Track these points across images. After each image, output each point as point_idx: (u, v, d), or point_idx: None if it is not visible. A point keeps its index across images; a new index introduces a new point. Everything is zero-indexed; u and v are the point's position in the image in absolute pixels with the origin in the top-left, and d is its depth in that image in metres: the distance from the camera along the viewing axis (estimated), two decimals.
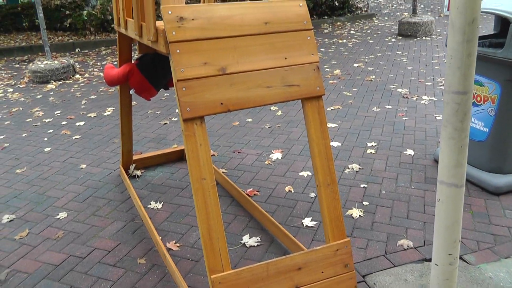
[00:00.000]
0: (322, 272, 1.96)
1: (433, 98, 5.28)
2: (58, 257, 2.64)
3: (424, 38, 9.04)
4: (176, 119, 4.90)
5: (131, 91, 2.94)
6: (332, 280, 1.99)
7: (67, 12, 10.41)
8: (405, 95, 5.41)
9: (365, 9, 13.15)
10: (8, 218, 3.07)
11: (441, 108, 4.92)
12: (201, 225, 1.73)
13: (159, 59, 2.87)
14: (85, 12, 10.19)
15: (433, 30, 9.24)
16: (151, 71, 2.87)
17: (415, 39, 8.92)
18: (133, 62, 2.96)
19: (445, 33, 9.49)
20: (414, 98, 5.29)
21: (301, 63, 1.96)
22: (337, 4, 12.09)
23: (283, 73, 1.92)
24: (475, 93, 3.19)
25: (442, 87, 5.67)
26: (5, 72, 7.75)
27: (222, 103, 1.78)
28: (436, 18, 11.58)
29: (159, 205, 3.12)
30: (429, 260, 2.52)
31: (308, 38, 2.00)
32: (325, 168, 2.01)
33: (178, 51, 1.72)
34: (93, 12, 10.12)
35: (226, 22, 1.81)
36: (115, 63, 7.87)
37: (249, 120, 4.78)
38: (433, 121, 4.55)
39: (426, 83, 5.89)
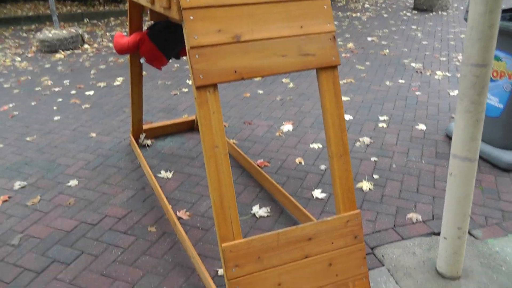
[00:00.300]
0: (332, 243, 1.96)
1: (447, 73, 5.20)
2: (69, 223, 2.67)
3: (440, 12, 8.85)
4: (186, 89, 4.87)
5: (142, 60, 2.91)
6: (341, 251, 1.99)
7: None
8: (419, 70, 5.33)
9: None
10: (19, 185, 3.10)
11: (455, 83, 4.85)
12: (213, 193, 1.72)
13: (170, 28, 2.83)
14: None
15: (449, 5, 9.03)
16: (162, 40, 2.83)
17: (431, 14, 8.74)
18: (143, 30, 2.92)
19: (462, 8, 9.29)
20: (428, 73, 5.21)
21: (317, 32, 1.92)
22: None
23: (298, 42, 1.88)
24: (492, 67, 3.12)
25: (457, 63, 5.58)
26: (12, 41, 7.72)
27: (236, 71, 1.75)
28: None
29: (169, 174, 3.14)
30: (437, 234, 2.52)
31: (325, 7, 1.95)
32: (338, 139, 1.99)
33: (191, 17, 1.68)
34: None
35: None
36: (125, 33, 7.81)
37: (260, 91, 4.75)
38: (446, 96, 4.49)
39: (441, 58, 5.80)
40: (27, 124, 4.14)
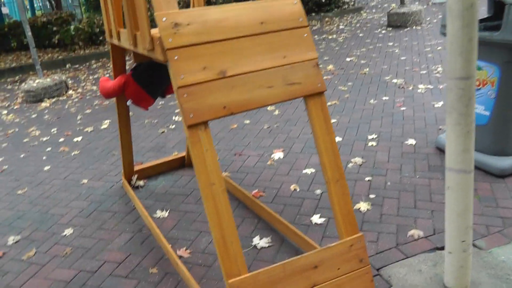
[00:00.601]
0: (338, 269, 1.95)
1: (429, 86, 5.28)
2: (68, 273, 2.61)
3: (414, 27, 9.05)
4: (173, 126, 4.88)
5: (128, 102, 2.92)
6: (348, 276, 1.97)
7: (55, 28, 10.37)
8: (401, 85, 5.40)
9: (352, 3, 13.17)
10: (13, 240, 3.04)
11: (438, 95, 4.91)
12: (213, 230, 1.71)
13: (154, 68, 2.85)
14: (72, 27, 10.15)
15: (422, 19, 9.25)
16: (146, 80, 2.85)
17: (405, 29, 8.94)
18: (127, 73, 2.94)
19: (435, 21, 9.51)
20: (410, 88, 5.28)
21: (301, 60, 1.95)
22: (323, 0, 12.10)
23: (283, 72, 1.90)
24: None
25: (437, 75, 5.68)
26: None
27: (225, 107, 1.76)
28: (425, 7, 11.60)
29: (165, 214, 3.10)
30: (441, 248, 2.51)
31: (305, 35, 1.98)
32: (333, 164, 2.00)
33: (176, 57, 1.70)
34: (80, 26, 10.08)
35: (221, 25, 1.80)
36: (107, 75, 7.85)
37: (247, 121, 4.77)
38: (431, 108, 4.54)
39: (421, 72, 5.89)
40: (18, 177, 4.09)
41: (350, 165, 3.53)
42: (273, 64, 1.88)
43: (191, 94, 1.70)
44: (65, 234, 3.02)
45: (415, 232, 2.65)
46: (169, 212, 3.12)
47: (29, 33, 6.54)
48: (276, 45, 1.90)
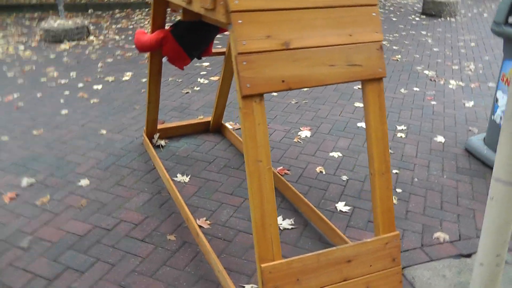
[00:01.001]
0: (370, 266, 1.86)
1: (461, 83, 5.12)
2: (82, 227, 2.54)
3: (448, 18, 8.78)
4: (198, 88, 4.74)
5: (164, 59, 2.78)
6: (379, 274, 1.89)
7: None
8: (432, 78, 5.24)
9: None
10: (27, 182, 2.96)
11: (469, 94, 4.76)
12: (254, 210, 1.61)
13: (195, 27, 2.70)
14: None
15: (458, 11, 8.96)
16: (186, 39, 2.71)
17: (440, 19, 8.67)
18: (167, 28, 2.80)
19: (469, 14, 9.23)
20: (442, 82, 5.12)
21: (366, 41, 1.81)
22: None
23: (347, 51, 1.76)
24: None
25: (469, 72, 5.50)
26: (15, 28, 7.52)
27: (283, 80, 1.63)
28: None
29: (186, 179, 3.01)
30: (466, 256, 2.43)
31: (374, 14, 1.84)
32: (381, 156, 1.89)
33: (240, 21, 1.56)
34: None
35: None
36: (131, 26, 7.65)
37: (274, 93, 4.63)
38: (461, 107, 4.40)
39: (453, 67, 5.71)
40: (33, 117, 3.99)
41: None
42: (338, 42, 1.74)
43: (250, 62, 1.58)
44: (81, 185, 2.94)
45: (441, 235, 2.57)
46: (190, 178, 3.03)
47: None
48: (343, 21, 1.76)
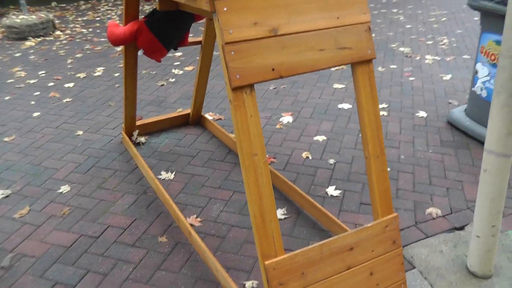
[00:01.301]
0: (372, 251, 1.83)
1: (436, 57, 5.13)
2: (67, 237, 2.42)
3: None
4: (173, 79, 4.61)
5: (140, 52, 2.66)
6: (381, 258, 1.86)
7: None
8: (408, 55, 5.24)
9: None
10: (3, 194, 2.80)
11: (445, 68, 4.78)
12: (252, 206, 1.54)
13: (170, 17, 2.59)
14: None
15: None
16: (162, 30, 2.59)
17: None
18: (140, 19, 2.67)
19: None
20: (418, 58, 5.13)
21: (354, 23, 1.74)
22: None
23: (335, 34, 1.70)
24: (495, 53, 3.02)
25: (444, 47, 5.52)
26: None
27: (273, 69, 1.56)
28: None
29: (171, 175, 2.92)
30: (459, 228, 2.45)
31: None
32: (375, 139, 1.84)
33: (225, 9, 1.47)
34: None
35: None
36: (97, 18, 7.40)
37: None
38: (440, 81, 4.41)
39: (427, 42, 5.72)
40: (3, 122, 3.81)
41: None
42: (327, 25, 1.67)
43: (238, 52, 1.49)
44: (62, 192, 2.81)
45: (433, 210, 2.57)
46: (174, 174, 2.93)
47: None
48: (330, 3, 1.69)
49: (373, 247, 1.83)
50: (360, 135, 3.37)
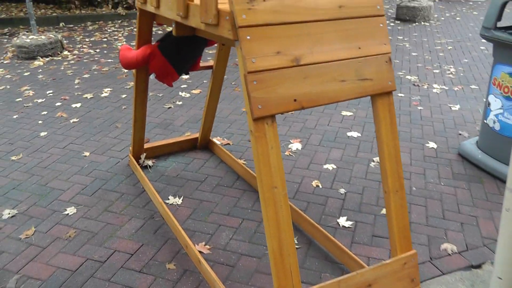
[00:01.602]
0: None
1: (444, 86, 5.12)
2: (73, 260, 2.36)
3: (422, 23, 8.87)
4: (180, 102, 4.59)
5: (152, 76, 2.64)
6: None
7: None
8: (415, 83, 5.23)
9: None
10: (9, 214, 2.76)
11: (454, 97, 4.76)
12: (270, 239, 1.49)
13: (184, 41, 2.58)
14: None
15: (431, 15, 9.07)
16: (175, 55, 2.58)
17: (414, 24, 8.75)
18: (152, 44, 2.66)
19: (443, 18, 9.34)
20: (425, 87, 5.12)
21: (375, 53, 1.73)
22: None
23: (356, 64, 1.68)
24: (509, 86, 3.00)
25: (451, 76, 5.53)
26: None
27: (295, 99, 1.53)
28: (435, 1, 11.42)
29: (178, 201, 2.87)
30: (476, 267, 2.37)
31: (381, 25, 1.76)
32: (395, 173, 1.80)
33: (248, 37, 1.45)
34: None
35: (299, 5, 1.55)
36: (105, 39, 7.44)
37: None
38: (448, 111, 4.39)
39: (434, 71, 5.73)
40: (11, 140, 3.78)
41: (372, 164, 3.35)
42: (348, 55, 1.65)
43: (261, 81, 1.47)
44: (68, 213, 2.76)
45: (448, 246, 2.50)
46: (182, 199, 2.88)
47: None
48: (352, 33, 1.67)
49: (392, 285, 1.78)
50: (371, 164, 3.33)
